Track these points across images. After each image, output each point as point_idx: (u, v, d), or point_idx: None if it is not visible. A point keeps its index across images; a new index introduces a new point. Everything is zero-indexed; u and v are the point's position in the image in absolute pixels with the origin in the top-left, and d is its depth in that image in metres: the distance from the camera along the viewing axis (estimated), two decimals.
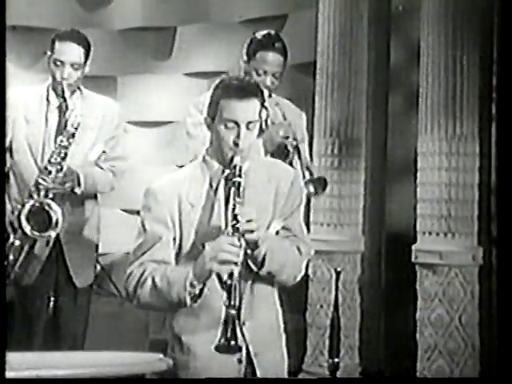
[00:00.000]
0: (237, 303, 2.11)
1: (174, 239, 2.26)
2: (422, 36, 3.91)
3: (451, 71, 3.82)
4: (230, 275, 2.12)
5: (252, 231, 2.17)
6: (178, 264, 2.26)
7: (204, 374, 2.24)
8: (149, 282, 2.22)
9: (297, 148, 3.13)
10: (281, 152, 3.13)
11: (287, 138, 3.15)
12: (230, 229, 2.15)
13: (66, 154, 3.08)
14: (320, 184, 3.10)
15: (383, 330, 4.22)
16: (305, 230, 2.40)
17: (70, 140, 3.08)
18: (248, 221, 2.16)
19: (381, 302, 4.28)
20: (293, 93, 4.63)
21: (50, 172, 3.06)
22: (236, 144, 2.23)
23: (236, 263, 2.13)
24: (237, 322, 2.10)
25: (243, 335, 2.22)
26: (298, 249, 2.33)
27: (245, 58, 3.17)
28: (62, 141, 3.07)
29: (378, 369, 2.91)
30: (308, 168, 3.12)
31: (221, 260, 2.14)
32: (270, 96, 3.18)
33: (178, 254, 2.27)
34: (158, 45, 5.15)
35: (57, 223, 3.06)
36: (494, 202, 3.86)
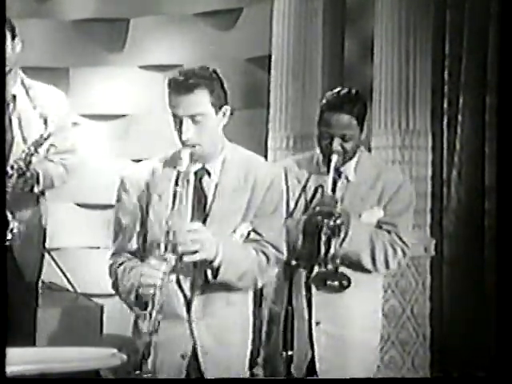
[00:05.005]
0: (156, 328, 2.08)
1: (142, 226, 2.25)
2: (375, 31, 3.96)
3: (404, 66, 3.87)
4: (152, 302, 2.08)
5: (196, 252, 2.10)
6: (145, 252, 2.24)
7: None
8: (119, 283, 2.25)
9: (337, 228, 2.43)
10: (313, 236, 2.48)
11: (329, 216, 2.43)
12: (168, 246, 2.09)
13: (30, 162, 3.02)
14: (345, 281, 2.55)
15: None
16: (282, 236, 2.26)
17: (38, 149, 3.02)
18: (193, 240, 2.09)
19: None
20: (248, 86, 4.63)
21: (10, 176, 2.99)
22: (180, 138, 2.21)
23: (157, 286, 2.07)
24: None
25: (192, 333, 2.21)
26: (265, 255, 2.22)
27: (317, 119, 2.66)
28: (29, 149, 3.01)
29: None
30: (335, 258, 2.48)
31: (143, 284, 2.11)
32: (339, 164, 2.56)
33: (144, 244, 2.26)
34: (112, 37, 5.09)
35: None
36: (446, 195, 3.93)
